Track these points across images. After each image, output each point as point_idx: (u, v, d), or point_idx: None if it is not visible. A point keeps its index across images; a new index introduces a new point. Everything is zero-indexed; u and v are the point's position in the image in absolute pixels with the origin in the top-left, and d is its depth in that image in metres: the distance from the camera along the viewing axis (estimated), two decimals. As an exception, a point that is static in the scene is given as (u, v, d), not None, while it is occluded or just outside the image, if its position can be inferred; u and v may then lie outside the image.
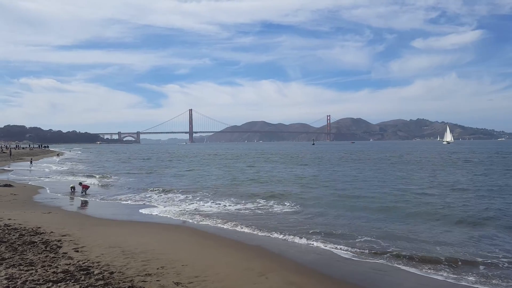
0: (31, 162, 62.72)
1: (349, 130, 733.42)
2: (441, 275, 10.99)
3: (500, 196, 24.29)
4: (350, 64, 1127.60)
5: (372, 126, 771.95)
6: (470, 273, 11.01)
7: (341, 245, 13.91)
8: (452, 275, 10.92)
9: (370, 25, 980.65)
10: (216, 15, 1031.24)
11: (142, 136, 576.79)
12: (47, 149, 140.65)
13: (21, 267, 9.94)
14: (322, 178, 37.71)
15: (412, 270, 11.44)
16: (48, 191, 29.13)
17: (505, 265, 11.67)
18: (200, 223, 18.00)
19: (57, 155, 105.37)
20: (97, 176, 41.09)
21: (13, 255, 11.04)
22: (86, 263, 10.57)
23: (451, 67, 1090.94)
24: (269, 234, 15.64)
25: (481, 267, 11.52)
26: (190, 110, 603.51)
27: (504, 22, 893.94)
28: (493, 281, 10.47)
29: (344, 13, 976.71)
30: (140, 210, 21.29)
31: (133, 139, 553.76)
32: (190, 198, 25.55)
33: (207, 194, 27.24)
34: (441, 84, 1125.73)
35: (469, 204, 21.43)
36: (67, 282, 9.01)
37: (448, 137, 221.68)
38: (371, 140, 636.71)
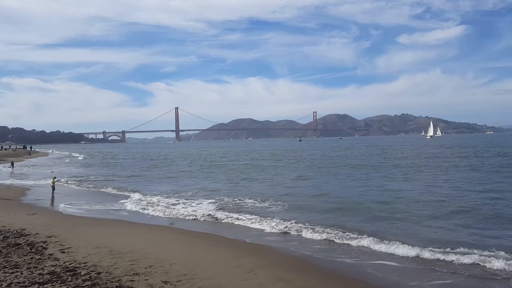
0: (12, 165, 54.29)
1: (335, 126, 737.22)
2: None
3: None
4: (337, 61, 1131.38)
5: (358, 121, 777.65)
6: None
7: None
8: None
9: (356, 21, 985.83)
10: (203, 12, 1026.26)
11: (127, 135, 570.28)
12: (31, 149, 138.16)
13: (6, 270, 9.79)
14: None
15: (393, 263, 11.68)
16: (32, 192, 28.71)
17: None
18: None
19: (29, 153, 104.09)
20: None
21: (-3, 258, 10.87)
22: (72, 264, 10.47)
23: (435, 62, 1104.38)
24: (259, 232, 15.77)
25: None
26: (176, 108, 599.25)
27: (488, 17, 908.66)
28: None
29: (331, 10, 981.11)
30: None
31: (119, 138, 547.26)
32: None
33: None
34: (425, 80, 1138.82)
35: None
36: (54, 283, 8.91)
37: (431, 131, 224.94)
38: (356, 135, 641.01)
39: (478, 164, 42.95)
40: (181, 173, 44.33)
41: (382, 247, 13.07)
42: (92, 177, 41.06)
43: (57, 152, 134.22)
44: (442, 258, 11.83)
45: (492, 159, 49.53)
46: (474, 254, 11.89)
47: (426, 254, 12.25)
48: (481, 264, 11.19)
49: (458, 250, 12.39)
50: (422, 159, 54.58)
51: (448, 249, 12.51)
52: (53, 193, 27.16)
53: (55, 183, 28.60)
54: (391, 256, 12.28)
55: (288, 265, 11.40)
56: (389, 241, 13.61)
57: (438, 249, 12.53)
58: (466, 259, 11.55)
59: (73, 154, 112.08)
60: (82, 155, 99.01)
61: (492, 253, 11.83)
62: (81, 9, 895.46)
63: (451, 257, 11.83)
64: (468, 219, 16.75)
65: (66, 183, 34.81)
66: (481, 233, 14.61)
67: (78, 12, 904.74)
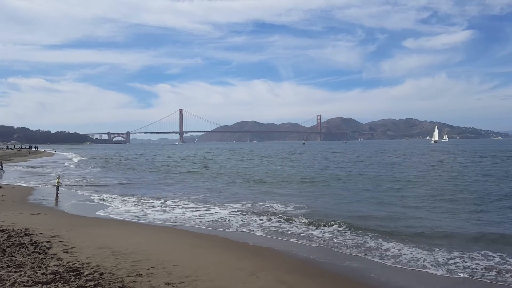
0: (1, 166, 48.11)
1: (339, 130, 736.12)
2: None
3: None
4: (342, 64, 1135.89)
5: (362, 125, 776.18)
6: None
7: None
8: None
9: (362, 24, 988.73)
10: (209, 14, 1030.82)
11: (132, 136, 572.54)
12: (36, 148, 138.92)
13: (10, 269, 9.84)
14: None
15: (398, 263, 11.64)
16: (36, 192, 28.84)
17: None
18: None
19: (28, 152, 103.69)
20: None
21: (1, 257, 10.91)
22: (76, 264, 10.50)
23: (441, 67, 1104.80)
24: (263, 234, 15.83)
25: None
26: (181, 110, 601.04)
27: (494, 22, 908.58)
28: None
29: (337, 13, 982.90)
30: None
31: (123, 139, 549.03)
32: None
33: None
34: (431, 84, 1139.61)
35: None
36: (57, 283, 8.94)
37: (436, 136, 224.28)
38: (360, 139, 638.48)
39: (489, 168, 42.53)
40: (188, 176, 44.30)
41: (387, 252, 13.07)
42: (92, 180, 41.19)
43: (59, 152, 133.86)
44: (447, 264, 11.80)
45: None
46: (485, 260, 11.95)
47: (431, 259, 12.24)
48: (495, 270, 11.18)
49: (465, 255, 12.43)
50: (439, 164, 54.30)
51: (454, 254, 12.56)
52: (57, 193, 27.28)
53: (60, 183, 28.70)
54: (396, 261, 12.20)
55: (291, 268, 11.38)
56: (396, 247, 13.66)
57: (444, 255, 12.56)
58: (476, 265, 11.52)
59: (74, 155, 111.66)
60: (79, 157, 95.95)
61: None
62: (87, 10, 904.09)
63: (458, 261, 11.85)
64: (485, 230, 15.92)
65: (64, 185, 34.93)
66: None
67: (84, 13, 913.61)
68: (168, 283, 9.38)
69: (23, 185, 33.34)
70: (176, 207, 22.37)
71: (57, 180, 28.75)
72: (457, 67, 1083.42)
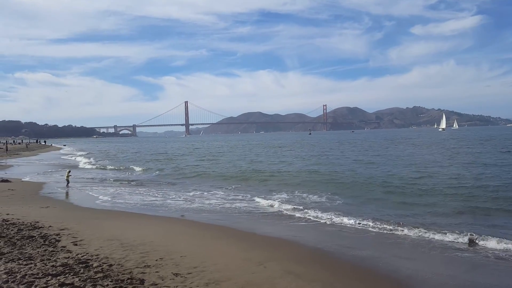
0: None
1: (345, 119, 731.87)
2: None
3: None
4: (349, 53, 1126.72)
5: (368, 114, 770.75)
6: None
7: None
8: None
9: (369, 12, 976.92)
10: (213, 5, 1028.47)
11: (138, 129, 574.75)
12: (45, 144, 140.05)
13: (20, 261, 9.98)
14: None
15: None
16: (45, 186, 29.10)
17: None
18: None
19: (26, 146, 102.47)
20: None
21: (12, 250, 11.07)
22: (85, 256, 10.62)
23: (449, 53, 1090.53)
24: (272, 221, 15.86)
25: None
26: (186, 102, 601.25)
27: (504, 7, 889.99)
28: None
29: (343, 0, 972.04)
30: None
31: (129, 132, 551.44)
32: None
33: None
34: (439, 71, 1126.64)
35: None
36: (66, 275, 9.04)
37: (444, 124, 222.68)
38: (366, 129, 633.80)
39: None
40: (205, 169, 43.93)
41: (398, 243, 13.10)
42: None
43: (67, 146, 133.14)
44: (454, 251, 11.80)
45: None
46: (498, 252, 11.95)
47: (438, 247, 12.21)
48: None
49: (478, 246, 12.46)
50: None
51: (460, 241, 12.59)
52: (67, 186, 27.52)
53: (70, 175, 28.92)
54: (406, 251, 12.23)
55: (299, 258, 11.41)
56: (409, 238, 13.64)
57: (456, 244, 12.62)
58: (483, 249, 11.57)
59: (83, 149, 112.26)
60: (88, 151, 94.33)
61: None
62: (92, 3, 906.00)
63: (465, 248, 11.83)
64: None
65: (73, 178, 35.18)
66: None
67: (89, 6, 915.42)
68: (176, 273, 9.44)
69: (32, 179, 33.61)
70: (202, 199, 22.55)
71: (66, 173, 29.00)
72: (466, 54, 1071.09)
